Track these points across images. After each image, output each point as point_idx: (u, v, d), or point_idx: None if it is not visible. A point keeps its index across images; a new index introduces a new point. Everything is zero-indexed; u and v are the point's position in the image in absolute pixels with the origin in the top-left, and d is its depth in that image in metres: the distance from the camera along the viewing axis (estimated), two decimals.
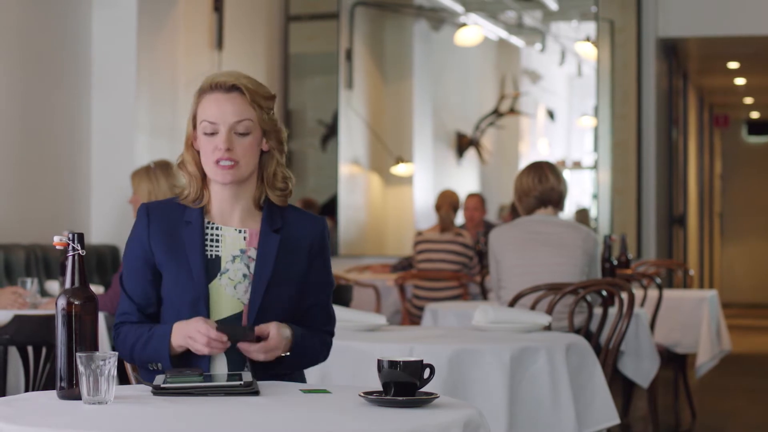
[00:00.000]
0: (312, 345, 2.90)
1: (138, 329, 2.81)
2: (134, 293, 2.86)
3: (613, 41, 10.21)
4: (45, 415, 2.26)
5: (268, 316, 2.80)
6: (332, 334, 3.00)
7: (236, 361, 2.79)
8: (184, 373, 2.57)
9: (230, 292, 2.82)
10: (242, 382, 2.50)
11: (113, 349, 2.83)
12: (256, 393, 2.51)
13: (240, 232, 2.87)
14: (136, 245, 2.87)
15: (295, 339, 2.82)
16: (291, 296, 2.87)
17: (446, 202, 7.97)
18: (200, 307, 2.79)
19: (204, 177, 2.89)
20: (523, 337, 3.94)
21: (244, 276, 2.83)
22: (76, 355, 2.36)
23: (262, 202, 2.90)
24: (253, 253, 2.85)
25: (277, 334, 2.76)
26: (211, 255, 2.84)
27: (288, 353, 2.81)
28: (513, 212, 9.12)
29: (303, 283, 2.89)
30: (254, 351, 2.75)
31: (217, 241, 2.86)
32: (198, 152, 2.87)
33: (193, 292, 2.80)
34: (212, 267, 2.83)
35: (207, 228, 2.87)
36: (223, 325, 2.75)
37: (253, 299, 2.81)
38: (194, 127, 2.87)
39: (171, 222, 2.86)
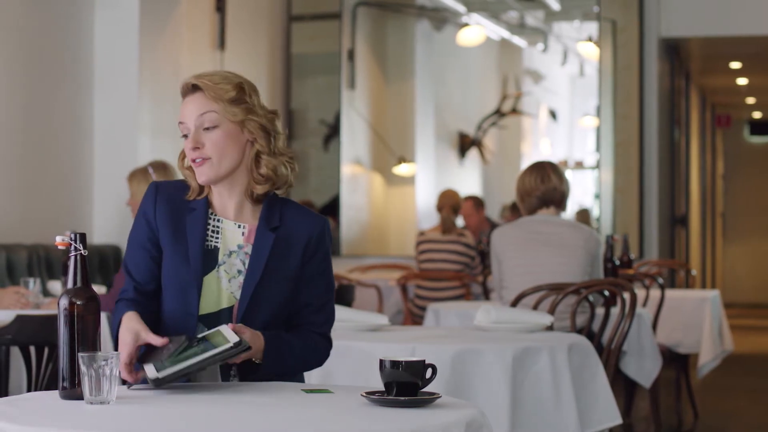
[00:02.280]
0: (294, 352, 2.83)
1: (122, 309, 2.82)
2: (136, 269, 2.88)
3: (615, 41, 10.21)
4: (47, 415, 2.26)
5: (259, 313, 2.80)
6: (326, 336, 2.93)
7: (223, 366, 2.81)
8: (169, 349, 2.57)
9: (225, 286, 2.83)
10: (232, 344, 2.51)
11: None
12: (249, 349, 2.58)
13: (239, 227, 2.88)
14: (141, 221, 2.90)
15: (267, 349, 2.75)
16: (283, 294, 2.85)
17: (447, 203, 7.96)
18: (191, 295, 2.80)
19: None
20: (525, 337, 3.94)
21: (239, 272, 2.84)
22: (79, 355, 2.36)
23: (255, 195, 2.89)
24: (249, 249, 2.86)
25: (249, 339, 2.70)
26: (210, 246, 2.86)
27: (259, 362, 2.76)
28: (514, 212, 9.13)
29: (296, 281, 2.87)
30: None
31: (218, 233, 2.87)
32: None
33: (187, 280, 2.81)
34: (210, 258, 2.85)
35: (210, 218, 2.89)
36: (174, 340, 2.66)
37: (244, 296, 2.82)
38: None
39: (177, 204, 2.89)
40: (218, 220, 2.88)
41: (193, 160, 2.84)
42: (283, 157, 2.90)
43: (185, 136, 2.86)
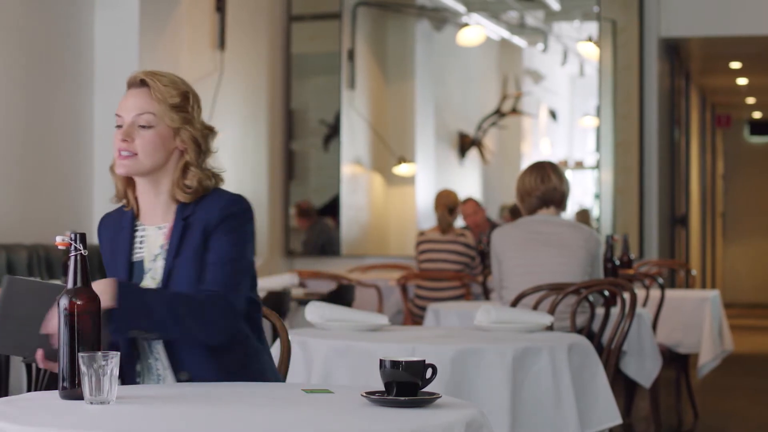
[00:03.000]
0: (164, 300, 2.72)
1: None
2: None
3: (615, 41, 10.21)
4: (47, 415, 2.26)
5: None
6: (222, 297, 2.77)
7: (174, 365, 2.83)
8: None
9: None
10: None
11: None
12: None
13: (160, 228, 2.90)
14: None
15: (120, 292, 2.67)
16: (191, 278, 2.83)
17: (442, 203, 7.97)
18: None
19: (127, 179, 2.93)
20: (525, 337, 3.94)
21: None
22: (79, 354, 2.36)
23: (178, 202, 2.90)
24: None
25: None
26: (138, 258, 2.90)
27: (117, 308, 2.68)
28: (513, 213, 9.13)
29: (201, 262, 2.84)
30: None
31: (143, 242, 2.92)
32: None
33: None
34: (138, 270, 2.89)
35: (137, 230, 2.92)
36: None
37: (162, 283, 2.85)
38: None
39: (114, 229, 2.96)
40: (144, 229, 2.91)
41: (120, 152, 2.86)
42: (208, 172, 2.91)
43: (118, 126, 2.88)
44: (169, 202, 2.90)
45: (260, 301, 2.97)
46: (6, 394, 3.64)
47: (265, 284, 6.50)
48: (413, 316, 7.62)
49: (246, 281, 2.86)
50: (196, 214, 2.86)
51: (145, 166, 2.86)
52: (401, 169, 11.18)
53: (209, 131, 2.94)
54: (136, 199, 2.94)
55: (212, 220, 2.84)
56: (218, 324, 2.77)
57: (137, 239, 2.91)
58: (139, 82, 2.88)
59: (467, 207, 9.25)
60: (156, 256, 2.88)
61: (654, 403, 6.27)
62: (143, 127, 2.85)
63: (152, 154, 2.85)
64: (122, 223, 2.94)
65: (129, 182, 2.93)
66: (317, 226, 10.40)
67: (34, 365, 3.69)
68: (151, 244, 2.90)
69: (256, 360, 2.90)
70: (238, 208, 2.87)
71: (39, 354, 2.62)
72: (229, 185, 2.97)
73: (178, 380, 2.83)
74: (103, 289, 2.64)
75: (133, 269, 2.89)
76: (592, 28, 10.83)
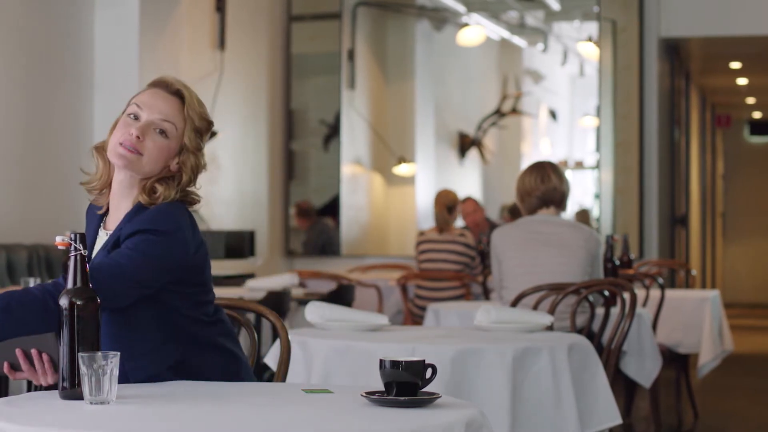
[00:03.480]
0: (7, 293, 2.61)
1: None
2: None
3: (615, 41, 10.21)
4: (47, 415, 2.26)
5: None
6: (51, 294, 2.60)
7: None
8: None
9: None
10: None
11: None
12: None
13: (107, 235, 2.84)
14: None
15: None
16: None
17: (440, 202, 7.98)
18: None
19: (112, 169, 2.85)
20: (525, 337, 3.94)
21: None
22: (78, 355, 2.36)
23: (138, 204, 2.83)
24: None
25: None
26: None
27: None
28: (512, 214, 9.13)
29: None
30: None
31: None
32: None
33: None
34: None
35: (99, 233, 2.87)
36: None
37: None
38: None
39: (90, 230, 2.90)
40: (107, 234, 2.84)
41: (124, 143, 2.78)
42: (183, 195, 2.84)
43: (133, 116, 2.81)
44: (129, 208, 2.83)
45: (207, 318, 2.84)
46: (6, 394, 3.64)
47: (265, 284, 6.50)
48: (413, 316, 7.62)
49: (125, 290, 2.68)
50: (129, 223, 2.78)
51: (143, 169, 2.80)
52: (401, 169, 11.18)
53: (204, 167, 2.89)
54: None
55: (130, 228, 2.74)
56: (25, 318, 2.60)
57: (98, 239, 2.87)
58: (173, 90, 2.83)
59: (467, 206, 9.27)
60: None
61: (654, 403, 6.27)
62: (160, 132, 2.80)
63: (155, 162, 2.80)
64: (94, 222, 2.89)
65: (111, 174, 2.86)
66: (317, 226, 10.41)
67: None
68: (99, 246, 2.85)
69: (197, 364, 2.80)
70: (155, 227, 2.73)
71: (5, 366, 2.57)
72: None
73: None
74: None
75: None
76: (592, 28, 10.84)
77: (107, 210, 2.88)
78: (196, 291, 2.80)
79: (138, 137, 2.78)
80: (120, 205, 2.84)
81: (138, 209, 2.79)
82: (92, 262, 2.73)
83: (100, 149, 2.88)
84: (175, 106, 2.82)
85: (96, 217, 2.91)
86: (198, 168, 2.85)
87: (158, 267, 2.71)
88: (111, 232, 2.81)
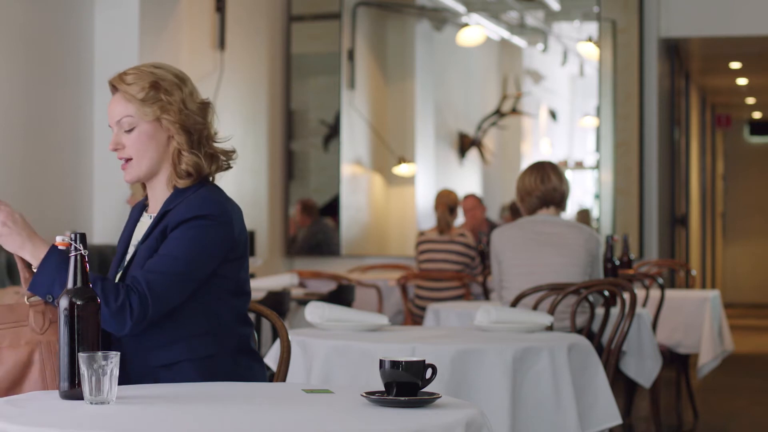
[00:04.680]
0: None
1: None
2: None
3: (615, 41, 10.21)
4: (47, 415, 2.26)
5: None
6: (136, 291, 2.74)
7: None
8: None
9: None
10: None
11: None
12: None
13: (150, 218, 2.96)
14: None
15: (46, 259, 2.73)
16: (141, 266, 2.86)
17: (442, 203, 7.97)
18: None
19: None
20: (525, 337, 3.94)
21: None
22: (78, 355, 2.36)
23: (177, 189, 2.93)
24: None
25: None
26: (133, 242, 2.98)
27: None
28: (513, 213, 9.14)
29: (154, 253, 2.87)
30: None
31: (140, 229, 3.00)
32: None
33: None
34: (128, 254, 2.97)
35: (141, 217, 3.01)
36: None
37: (122, 274, 2.90)
38: None
39: (129, 220, 3.05)
40: (150, 217, 2.97)
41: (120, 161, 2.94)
42: (208, 150, 2.92)
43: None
44: (167, 192, 2.93)
45: (240, 313, 2.92)
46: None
47: (265, 284, 6.50)
48: (413, 316, 7.62)
49: (176, 290, 2.78)
50: (174, 209, 2.87)
51: (142, 168, 2.91)
52: (401, 169, 11.18)
53: (201, 107, 2.93)
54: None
55: (178, 217, 2.84)
56: (107, 321, 2.73)
57: (139, 225, 3.00)
58: (113, 88, 2.93)
59: (468, 202, 9.27)
60: (139, 242, 2.94)
61: (654, 403, 6.27)
62: (127, 131, 2.90)
63: (143, 154, 2.89)
64: (136, 211, 3.04)
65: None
66: (317, 225, 10.40)
67: None
68: (139, 232, 2.97)
69: (211, 370, 2.84)
70: (206, 211, 2.83)
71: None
72: (229, 185, 2.99)
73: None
74: (38, 244, 2.76)
75: (124, 255, 2.98)
76: (592, 28, 10.83)
77: (147, 199, 3.02)
78: (235, 267, 2.87)
79: (116, 149, 2.91)
80: (156, 194, 2.96)
81: (178, 192, 2.90)
82: (146, 265, 2.81)
83: None
84: (119, 101, 2.90)
85: (137, 207, 3.05)
86: (183, 120, 2.88)
87: (209, 252, 2.81)
88: (154, 214, 2.93)
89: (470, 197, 9.38)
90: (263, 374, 2.97)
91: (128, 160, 2.90)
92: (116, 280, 2.88)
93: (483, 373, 3.62)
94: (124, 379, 2.73)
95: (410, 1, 11.54)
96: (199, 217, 2.81)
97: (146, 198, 3.02)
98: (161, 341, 2.81)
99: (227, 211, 2.86)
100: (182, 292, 2.79)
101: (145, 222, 2.96)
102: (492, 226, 9.35)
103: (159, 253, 2.81)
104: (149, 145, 2.89)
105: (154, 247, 2.84)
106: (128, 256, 2.93)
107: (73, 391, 2.41)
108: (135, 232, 2.98)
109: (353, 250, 10.51)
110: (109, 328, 2.74)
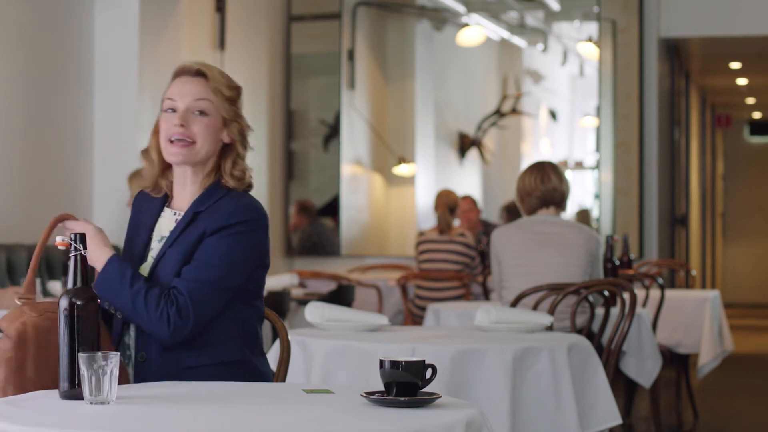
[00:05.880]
0: (131, 287, 2.76)
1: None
2: None
3: (615, 41, 10.21)
4: (47, 415, 2.26)
5: (159, 286, 2.83)
6: (176, 301, 2.77)
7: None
8: None
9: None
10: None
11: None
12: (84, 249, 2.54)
13: (175, 214, 2.94)
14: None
15: (106, 268, 2.78)
16: (174, 271, 2.84)
17: (442, 203, 7.97)
18: None
19: (163, 165, 2.96)
20: (525, 337, 3.94)
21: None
22: (78, 355, 2.36)
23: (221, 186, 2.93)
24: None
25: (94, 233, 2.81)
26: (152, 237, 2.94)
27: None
28: (509, 213, 9.12)
29: (188, 258, 2.86)
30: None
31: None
32: None
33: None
34: (148, 249, 2.93)
35: (164, 212, 2.96)
36: None
37: (151, 268, 2.88)
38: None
39: (144, 206, 2.99)
40: (165, 212, 2.95)
41: (171, 138, 2.88)
42: (246, 164, 2.99)
43: (171, 110, 2.90)
44: (198, 191, 2.92)
45: (257, 313, 2.95)
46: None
47: (266, 284, 6.50)
48: (413, 316, 7.62)
49: (217, 298, 2.81)
50: (206, 212, 2.88)
51: (200, 154, 2.90)
52: (401, 169, 11.18)
53: (249, 128, 2.99)
54: (171, 182, 2.97)
55: (216, 223, 2.84)
56: (153, 330, 2.78)
57: (161, 219, 2.96)
58: (195, 72, 2.91)
59: (464, 203, 9.27)
60: (162, 238, 2.91)
61: (654, 403, 6.27)
62: (200, 113, 2.89)
63: (207, 142, 2.89)
64: (154, 203, 2.97)
65: (163, 169, 2.96)
66: (313, 226, 10.40)
67: None
68: (163, 227, 2.93)
69: (234, 372, 2.86)
70: (246, 216, 2.87)
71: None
72: None
73: (137, 360, 2.84)
74: (100, 256, 2.78)
75: (145, 248, 2.93)
76: (592, 28, 10.83)
77: (167, 194, 2.97)
78: (264, 272, 2.94)
79: (182, 125, 2.86)
80: (185, 189, 2.93)
81: (208, 194, 2.90)
82: (185, 272, 2.81)
83: (145, 152, 2.98)
84: (202, 85, 2.90)
85: (152, 201, 2.98)
86: (245, 132, 2.96)
87: (248, 260, 2.85)
88: (180, 211, 2.91)
89: (466, 199, 9.37)
90: (272, 374, 2.99)
91: (191, 142, 2.87)
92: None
93: (483, 373, 3.62)
94: (149, 375, 2.79)
95: (410, 1, 11.54)
96: (240, 223, 2.84)
97: (154, 188, 2.97)
98: (191, 344, 2.82)
99: (264, 215, 2.91)
100: (223, 301, 2.82)
101: (167, 217, 2.93)
102: (486, 226, 9.36)
103: (198, 260, 2.81)
104: (215, 137, 2.90)
105: (188, 252, 2.83)
106: (152, 252, 2.90)
107: (73, 391, 2.41)
108: (157, 225, 2.94)
109: (353, 250, 10.51)
110: (154, 335, 2.79)
